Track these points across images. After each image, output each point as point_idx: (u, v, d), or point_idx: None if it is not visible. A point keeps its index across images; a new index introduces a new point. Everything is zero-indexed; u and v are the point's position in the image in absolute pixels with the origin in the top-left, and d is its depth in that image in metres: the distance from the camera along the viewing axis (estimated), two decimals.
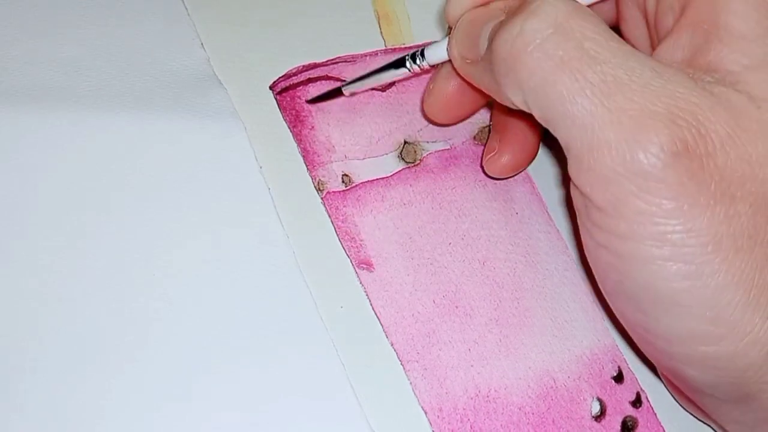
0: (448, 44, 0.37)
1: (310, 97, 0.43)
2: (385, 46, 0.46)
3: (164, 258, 0.39)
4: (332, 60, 0.45)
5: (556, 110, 0.31)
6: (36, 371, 0.36)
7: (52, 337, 0.37)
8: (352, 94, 0.43)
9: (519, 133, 0.41)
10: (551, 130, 0.32)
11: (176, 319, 0.38)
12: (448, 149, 0.44)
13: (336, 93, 0.43)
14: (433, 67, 0.40)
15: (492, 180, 0.43)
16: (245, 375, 0.37)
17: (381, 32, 0.46)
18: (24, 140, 0.40)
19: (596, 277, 0.35)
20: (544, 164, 0.44)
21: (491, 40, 0.33)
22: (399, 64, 0.41)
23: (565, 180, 0.43)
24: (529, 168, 0.44)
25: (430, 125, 0.44)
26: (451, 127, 0.44)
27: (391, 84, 0.44)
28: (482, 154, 0.43)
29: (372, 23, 0.46)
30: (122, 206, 0.40)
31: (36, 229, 0.39)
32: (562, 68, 0.31)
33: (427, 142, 0.44)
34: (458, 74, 0.38)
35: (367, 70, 0.42)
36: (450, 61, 0.38)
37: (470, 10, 0.36)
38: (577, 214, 0.34)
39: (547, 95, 0.31)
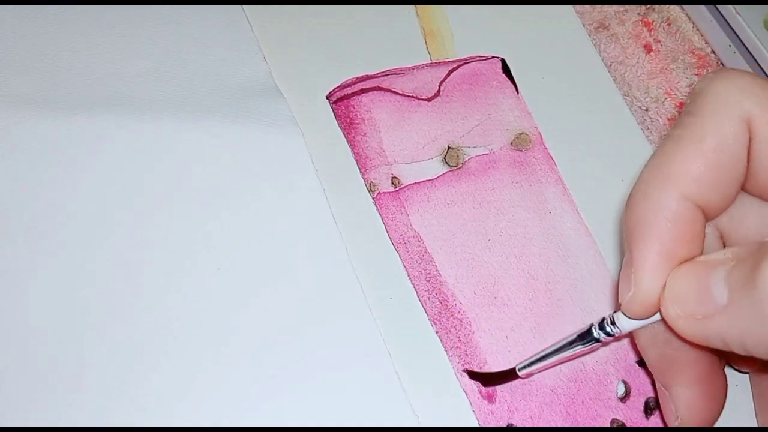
0: (662, 306, 0.32)
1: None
2: (431, 60, 0.47)
3: (227, 253, 0.40)
4: (383, 72, 0.46)
5: None
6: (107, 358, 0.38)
7: (126, 323, 0.39)
8: (528, 375, 0.40)
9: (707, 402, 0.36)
10: None
11: (236, 308, 0.39)
12: (487, 154, 0.45)
13: (510, 374, 0.39)
14: (620, 335, 0.35)
15: (527, 182, 0.44)
16: (298, 360, 0.39)
17: (426, 47, 0.47)
18: (102, 143, 0.42)
19: None
20: (573, 166, 0.45)
21: (746, 282, 0.28)
22: (585, 336, 0.36)
23: None
24: (560, 170, 0.45)
25: (472, 132, 0.45)
26: (490, 134, 0.45)
27: (436, 95, 0.46)
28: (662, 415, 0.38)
29: (418, 39, 0.47)
30: (189, 203, 0.41)
31: (112, 219, 0.40)
32: None
33: (469, 147, 0.45)
34: (676, 336, 0.33)
35: (544, 350, 0.38)
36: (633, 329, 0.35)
37: (675, 269, 0.32)
38: None
39: None
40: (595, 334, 0.35)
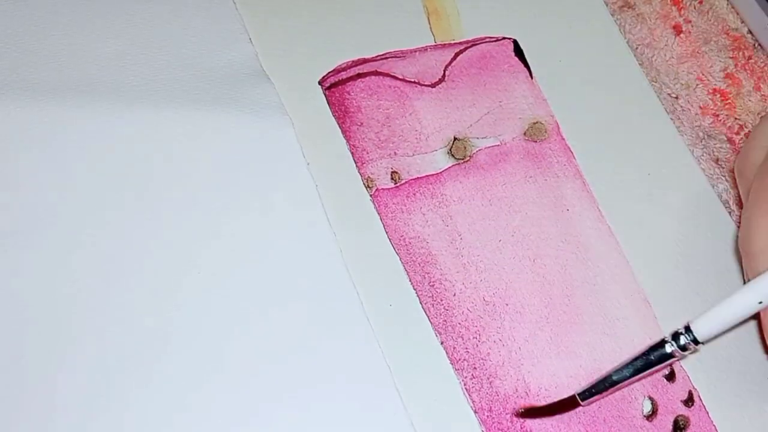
0: None
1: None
2: (435, 41, 0.47)
3: (208, 255, 0.40)
4: (382, 55, 0.46)
5: None
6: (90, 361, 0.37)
7: (109, 324, 0.38)
8: (590, 403, 0.39)
9: None
10: None
11: (219, 317, 0.39)
12: (498, 145, 0.44)
13: (570, 404, 0.39)
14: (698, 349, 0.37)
15: (542, 176, 0.44)
16: (288, 374, 0.38)
17: (430, 27, 0.47)
18: (70, 133, 0.42)
19: None
20: (594, 160, 0.45)
21: None
22: (658, 351, 0.37)
23: None
24: (579, 163, 0.45)
25: (480, 121, 0.45)
26: (501, 123, 0.45)
27: (441, 80, 0.45)
28: None
29: (421, 18, 0.47)
30: (166, 201, 0.41)
31: (84, 220, 0.40)
32: None
33: (477, 138, 0.44)
34: None
35: (608, 372, 0.38)
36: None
37: None
38: None
39: None
40: (668, 349, 0.36)
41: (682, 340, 0.36)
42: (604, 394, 0.38)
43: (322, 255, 0.41)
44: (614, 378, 0.38)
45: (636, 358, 0.37)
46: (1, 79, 0.42)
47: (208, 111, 0.43)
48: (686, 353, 0.36)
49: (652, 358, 0.37)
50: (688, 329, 0.36)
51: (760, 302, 0.34)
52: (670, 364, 0.39)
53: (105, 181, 0.41)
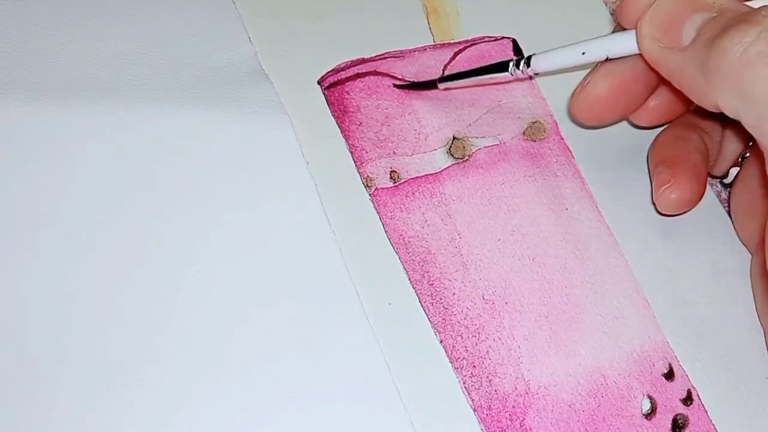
0: (639, 25, 0.36)
1: (399, 84, 0.45)
2: (434, 41, 0.47)
3: (207, 254, 0.40)
4: (381, 55, 0.46)
5: None
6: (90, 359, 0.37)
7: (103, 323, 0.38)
8: (447, 89, 0.45)
9: (692, 164, 0.42)
10: (763, 142, 0.32)
11: (219, 316, 0.39)
12: (497, 144, 0.44)
13: (430, 85, 0.45)
14: (533, 76, 0.42)
15: (542, 176, 0.44)
16: (287, 373, 0.38)
17: (429, 27, 0.47)
18: (70, 133, 0.41)
19: None
20: (592, 158, 0.45)
21: (709, 38, 0.33)
22: (502, 67, 0.42)
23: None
24: (578, 162, 0.45)
25: (480, 120, 0.45)
26: (500, 123, 0.45)
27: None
28: (652, 187, 0.42)
29: (420, 18, 0.47)
30: (165, 200, 0.41)
31: (83, 219, 0.40)
32: None
33: (476, 137, 0.44)
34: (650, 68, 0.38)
35: (463, 70, 0.44)
36: (605, 61, 0.40)
37: None
38: None
39: None
40: (510, 71, 0.42)
41: (521, 65, 0.41)
42: (456, 85, 0.44)
43: (321, 254, 0.41)
44: (465, 72, 0.44)
45: (484, 66, 0.43)
46: (0, 79, 0.42)
47: (207, 110, 0.43)
48: (520, 74, 0.42)
49: (494, 66, 0.43)
50: (529, 59, 0.41)
51: (583, 53, 0.40)
52: (506, 81, 0.46)
53: (104, 181, 0.41)
